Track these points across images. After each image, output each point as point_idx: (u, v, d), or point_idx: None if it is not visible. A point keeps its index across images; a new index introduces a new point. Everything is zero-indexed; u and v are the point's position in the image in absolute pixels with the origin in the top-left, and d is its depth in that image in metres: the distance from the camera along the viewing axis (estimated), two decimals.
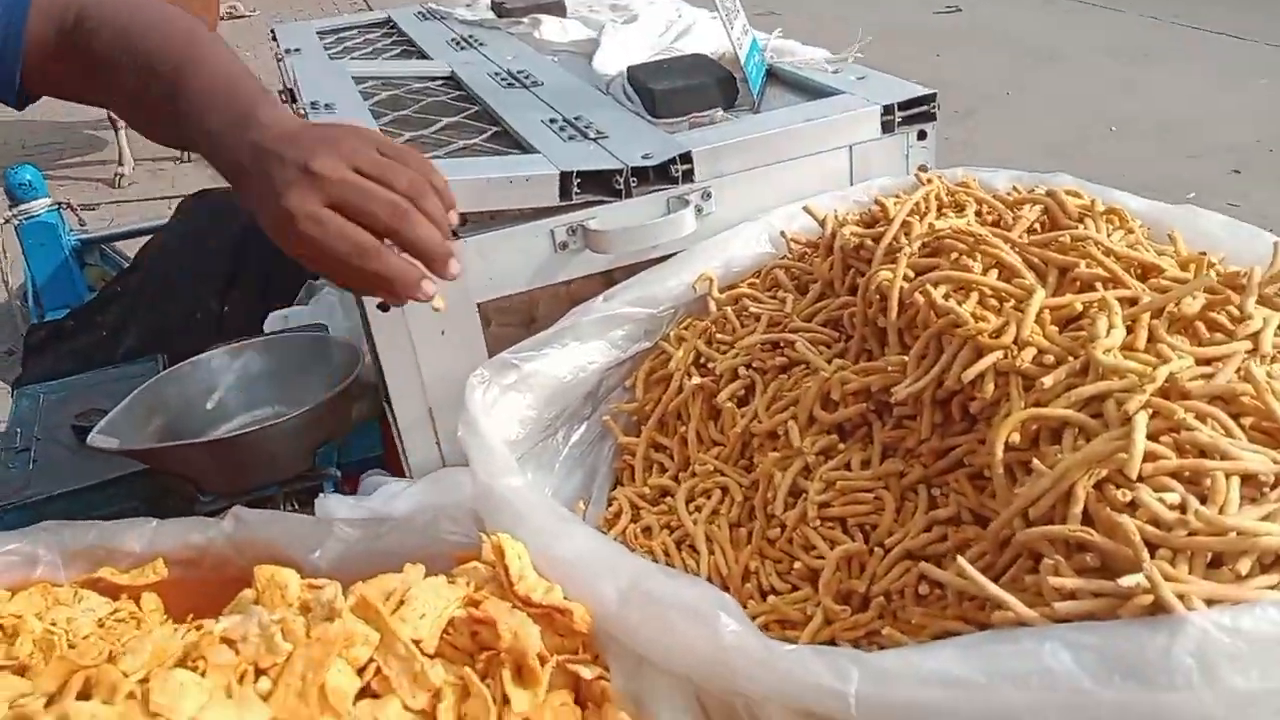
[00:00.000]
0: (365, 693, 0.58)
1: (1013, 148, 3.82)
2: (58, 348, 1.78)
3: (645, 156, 1.01)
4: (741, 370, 0.89)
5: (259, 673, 0.55)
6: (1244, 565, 0.52)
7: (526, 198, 0.98)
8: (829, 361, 0.84)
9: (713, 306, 0.97)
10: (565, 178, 0.97)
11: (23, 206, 1.89)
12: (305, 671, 0.54)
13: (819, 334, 0.88)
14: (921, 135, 1.09)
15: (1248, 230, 0.79)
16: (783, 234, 1.00)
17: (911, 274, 0.79)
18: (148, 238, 1.91)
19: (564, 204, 0.99)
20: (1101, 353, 0.63)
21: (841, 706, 0.53)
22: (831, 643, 0.69)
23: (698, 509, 0.85)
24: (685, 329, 0.98)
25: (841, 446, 0.79)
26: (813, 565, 0.74)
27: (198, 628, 0.59)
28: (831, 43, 1.29)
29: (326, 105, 1.19)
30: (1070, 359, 0.66)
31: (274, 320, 1.51)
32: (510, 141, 1.12)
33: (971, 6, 5.91)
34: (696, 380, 0.91)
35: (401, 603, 0.61)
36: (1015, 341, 0.68)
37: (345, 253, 0.63)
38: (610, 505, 0.93)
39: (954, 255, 0.79)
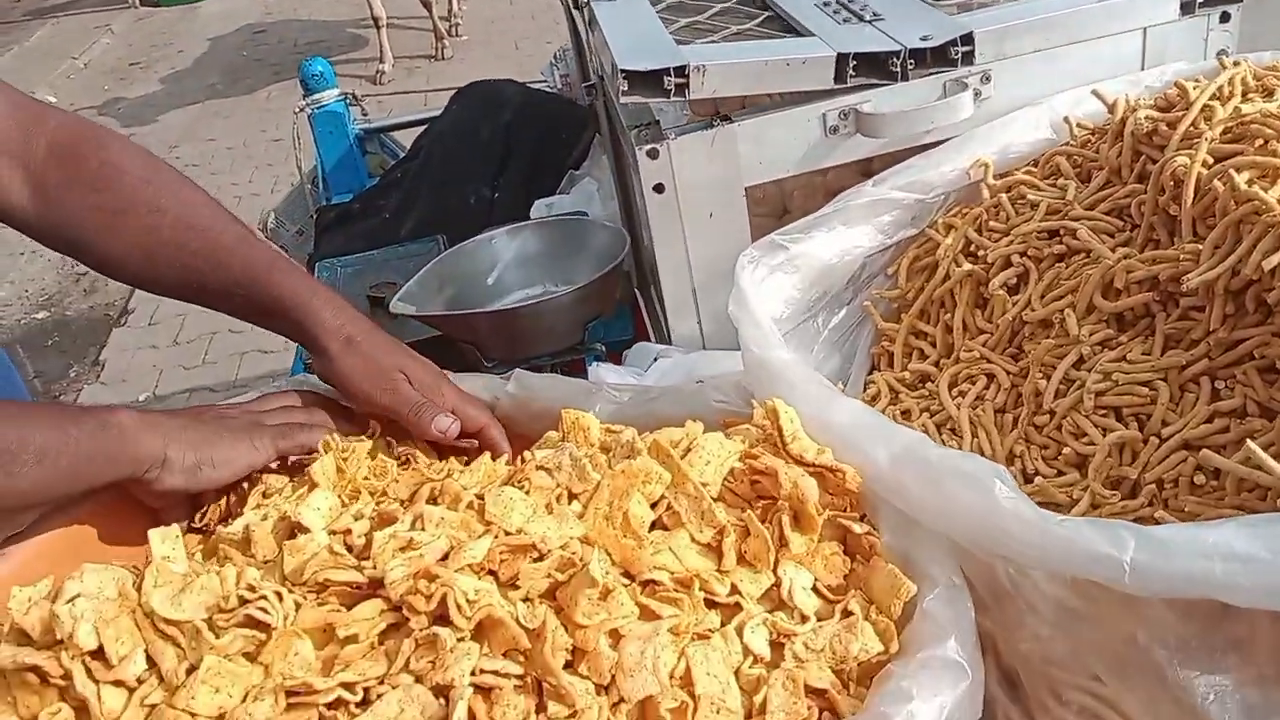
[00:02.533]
0: (656, 526, 0.64)
1: None
2: (346, 228, 1.97)
3: (924, 38, 1.00)
4: (1015, 258, 0.89)
5: (571, 496, 0.62)
6: None
7: (801, 80, 0.99)
8: (1113, 250, 0.82)
9: (986, 194, 0.96)
10: (841, 60, 0.98)
11: (315, 96, 2.08)
12: (611, 499, 0.61)
13: (1102, 222, 0.85)
14: (1225, 17, 1.02)
15: None
16: (1066, 119, 0.97)
17: (1211, 160, 0.75)
18: (423, 128, 2.05)
19: (838, 87, 1.00)
20: None
21: (1115, 574, 0.54)
22: None
23: (961, 394, 0.86)
24: (955, 216, 0.98)
25: (1121, 339, 0.78)
26: (1082, 451, 0.74)
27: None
28: None
29: None
30: None
31: (538, 208, 1.61)
32: (783, 25, 1.13)
33: None
34: (966, 267, 0.91)
35: (689, 450, 0.67)
36: None
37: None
38: (867, 389, 0.95)
39: (1260, 141, 0.75)
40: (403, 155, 2.09)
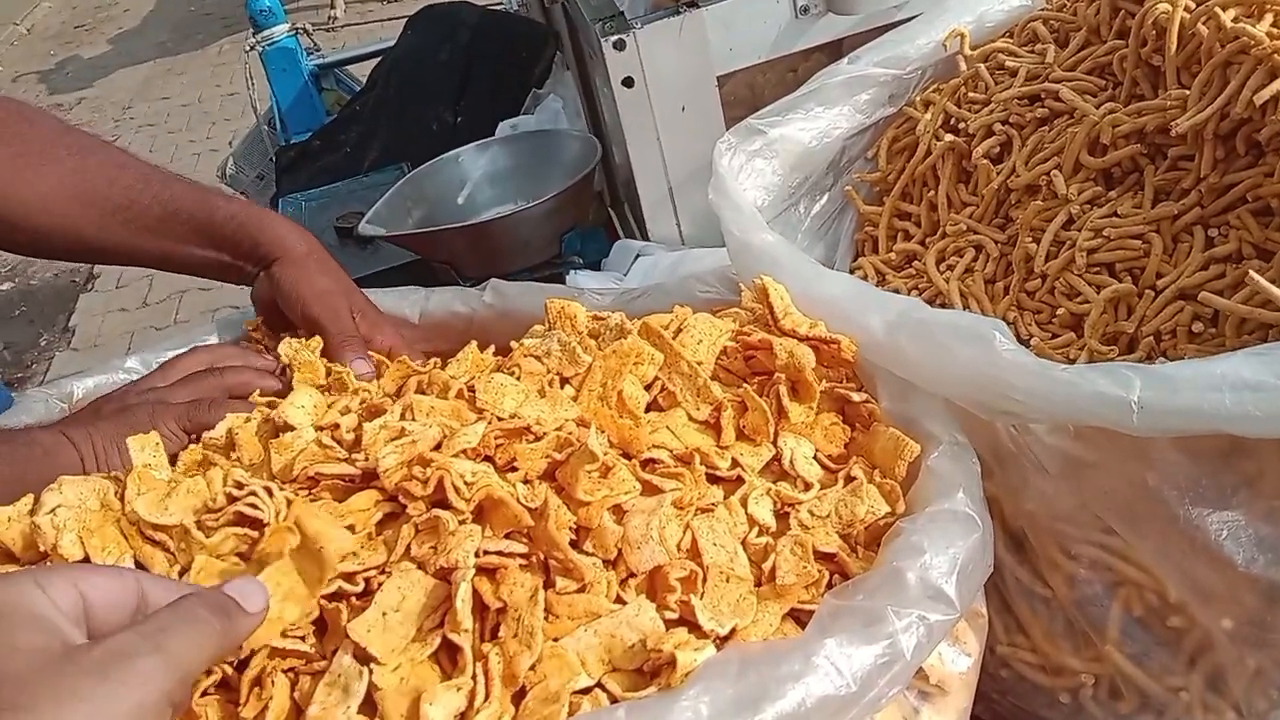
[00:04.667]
0: (651, 408, 0.63)
1: None
2: (307, 167, 1.91)
3: None
4: (997, 127, 0.87)
5: (563, 381, 0.61)
6: None
7: None
8: (1097, 109, 0.80)
9: (963, 65, 0.94)
10: None
11: (265, 33, 2.01)
12: (604, 379, 0.59)
13: (1084, 82, 0.83)
14: None
15: None
16: None
17: (1193, 4, 0.73)
18: (379, 59, 2.00)
19: None
20: None
21: (1123, 416, 0.53)
22: None
23: (950, 268, 0.84)
24: (933, 92, 0.95)
25: (1110, 195, 0.76)
26: (1076, 311, 0.73)
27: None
28: None
29: None
30: None
31: (503, 129, 1.57)
32: None
33: None
34: (948, 139, 0.89)
35: (680, 331, 0.65)
36: None
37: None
38: (854, 274, 0.94)
39: None
40: (359, 89, 2.04)
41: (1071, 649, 0.62)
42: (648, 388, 0.63)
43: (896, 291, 0.88)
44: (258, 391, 0.70)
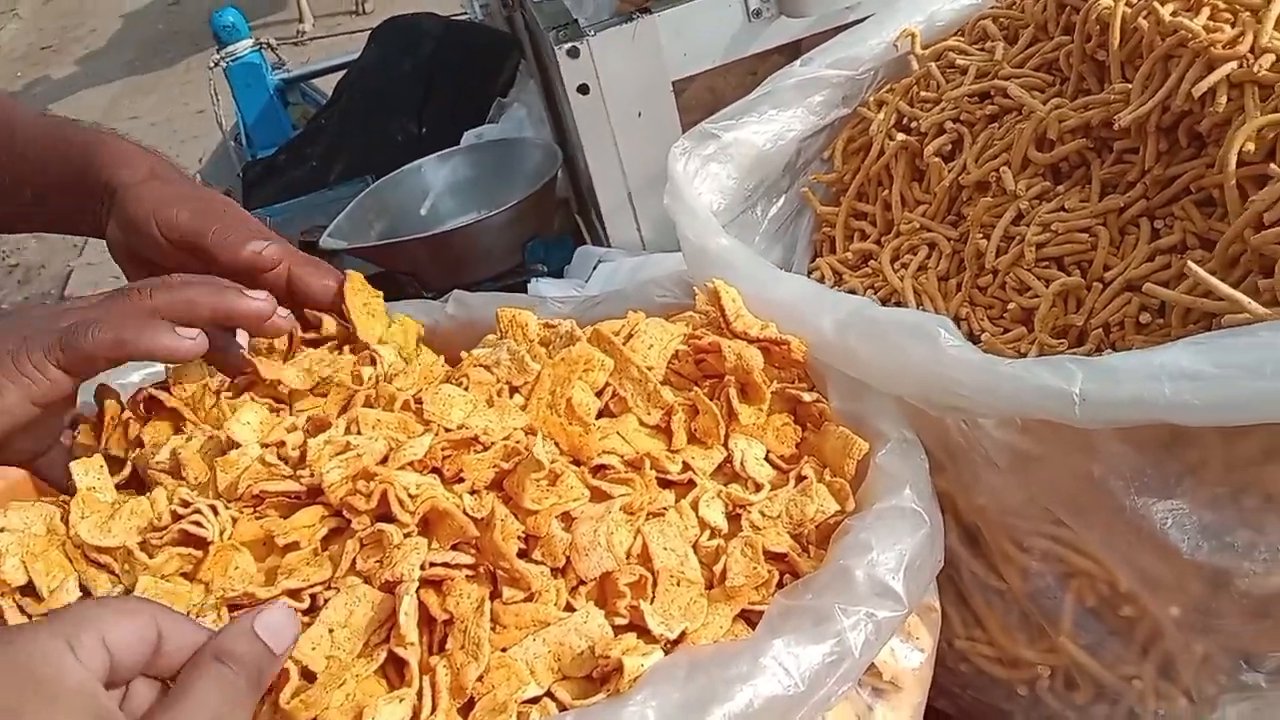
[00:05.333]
0: (603, 414, 0.63)
1: None
2: (274, 181, 1.91)
3: None
4: (948, 125, 0.87)
5: (513, 390, 0.61)
6: None
7: None
8: (1045, 104, 0.81)
9: (915, 64, 0.94)
10: None
11: (229, 48, 2.01)
12: (553, 387, 0.59)
13: (1032, 79, 0.84)
14: None
15: None
16: None
17: None
18: (343, 73, 1.99)
19: None
20: None
21: (1066, 408, 0.54)
22: None
23: (904, 266, 0.85)
24: (886, 92, 0.96)
25: (1058, 190, 0.77)
26: (1026, 305, 0.73)
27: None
28: None
29: None
30: None
31: (468, 138, 1.57)
32: None
33: None
34: (900, 139, 0.89)
35: (630, 336, 0.65)
36: (1252, 50, 0.64)
37: None
38: (812, 275, 0.94)
39: None
40: (325, 103, 2.03)
41: (1027, 641, 0.62)
42: (599, 394, 0.63)
43: (853, 291, 0.88)
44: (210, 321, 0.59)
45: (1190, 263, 0.59)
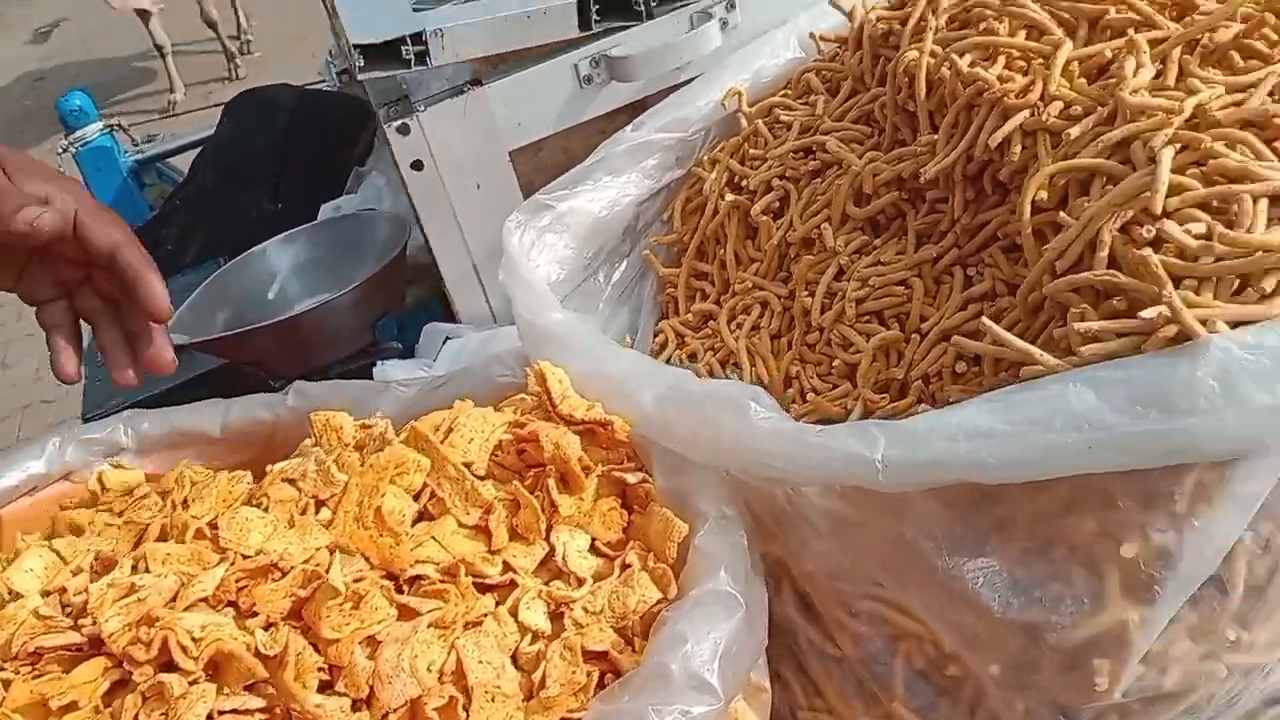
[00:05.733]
0: (424, 517, 0.61)
1: None
2: None
3: None
4: (775, 182, 0.88)
5: (319, 504, 0.58)
6: (1269, 283, 0.50)
7: (547, 32, 0.97)
8: (861, 157, 0.82)
9: (744, 122, 0.95)
10: (583, 5, 0.95)
11: (77, 133, 1.94)
12: (361, 497, 0.57)
13: (852, 131, 0.85)
14: None
15: None
16: (811, 35, 0.96)
17: (940, 50, 0.75)
18: (199, 149, 1.94)
19: (585, 34, 0.97)
20: (1128, 93, 0.61)
21: (869, 473, 0.54)
22: None
23: (739, 325, 0.85)
24: (719, 151, 0.97)
25: (876, 243, 0.78)
26: (850, 361, 0.74)
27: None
28: None
29: None
30: (1100, 109, 0.63)
31: (326, 211, 1.54)
32: None
33: None
34: (730, 199, 0.90)
35: (450, 430, 0.64)
36: (1041, 98, 0.66)
37: None
38: (656, 338, 0.94)
39: (982, 24, 0.76)
40: (182, 181, 1.98)
41: (863, 708, 0.62)
42: (417, 495, 0.61)
43: (694, 354, 0.88)
44: None
45: (984, 318, 0.59)
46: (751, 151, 0.93)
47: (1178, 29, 0.66)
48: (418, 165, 0.97)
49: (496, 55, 0.97)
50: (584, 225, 0.93)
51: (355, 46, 0.91)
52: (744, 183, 0.91)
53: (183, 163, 2.12)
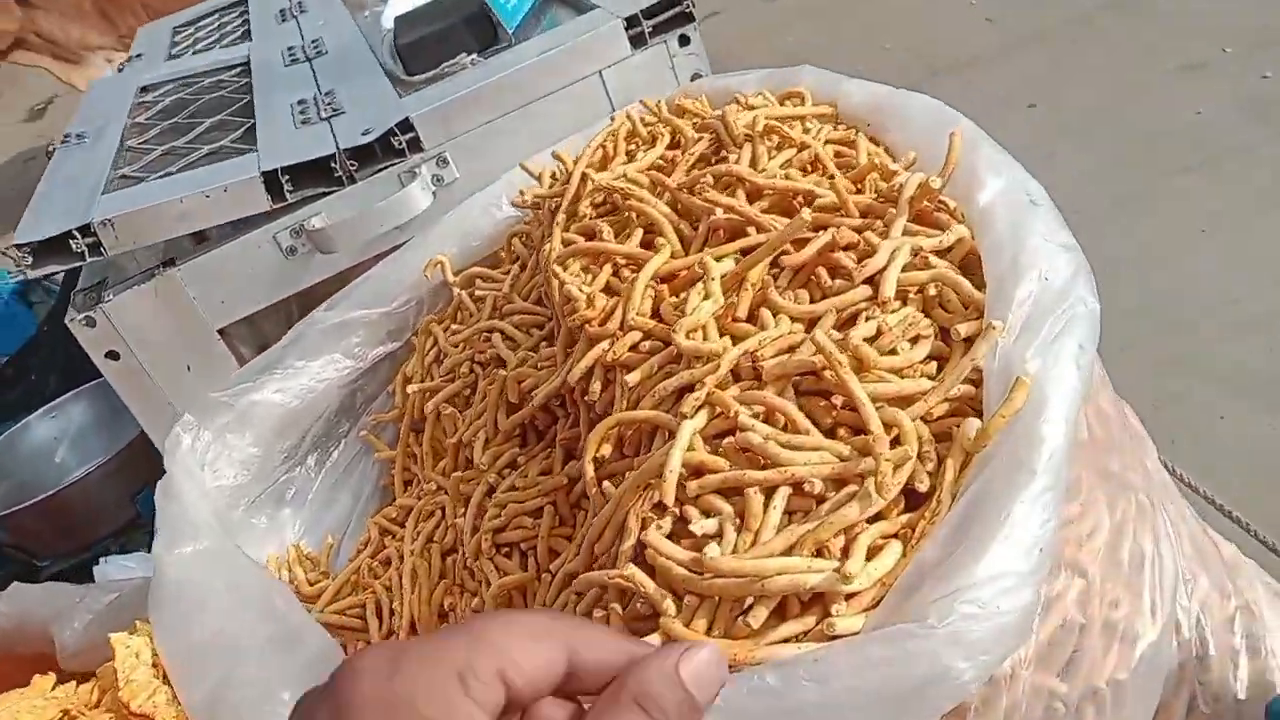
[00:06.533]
0: None
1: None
2: (4, 394, 1.81)
3: (365, 133, 0.91)
4: (462, 369, 0.80)
5: None
6: (758, 615, 0.42)
7: (235, 208, 0.90)
8: (535, 349, 0.74)
9: (456, 292, 0.87)
10: (270, 177, 0.89)
11: None
12: None
13: (532, 315, 0.77)
14: (684, 40, 0.96)
15: (951, 117, 0.64)
16: (521, 191, 0.89)
17: (561, 247, 0.67)
18: None
19: (282, 205, 0.90)
20: (684, 334, 0.52)
21: None
22: None
23: (418, 535, 0.77)
24: (438, 321, 0.89)
25: (521, 459, 0.69)
26: (487, 598, 0.66)
27: None
28: None
29: (79, 136, 1.12)
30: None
31: None
32: (255, 138, 1.03)
33: None
34: (415, 386, 0.82)
35: None
36: (621, 326, 0.57)
37: None
38: (366, 533, 0.86)
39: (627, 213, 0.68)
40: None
41: None
42: None
43: (389, 561, 0.80)
44: None
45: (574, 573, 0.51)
46: (454, 327, 0.85)
47: (776, 233, 0.58)
48: (113, 355, 0.90)
49: (192, 234, 0.90)
50: (272, 418, 0.85)
51: (21, 246, 0.85)
52: (445, 360, 0.83)
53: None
